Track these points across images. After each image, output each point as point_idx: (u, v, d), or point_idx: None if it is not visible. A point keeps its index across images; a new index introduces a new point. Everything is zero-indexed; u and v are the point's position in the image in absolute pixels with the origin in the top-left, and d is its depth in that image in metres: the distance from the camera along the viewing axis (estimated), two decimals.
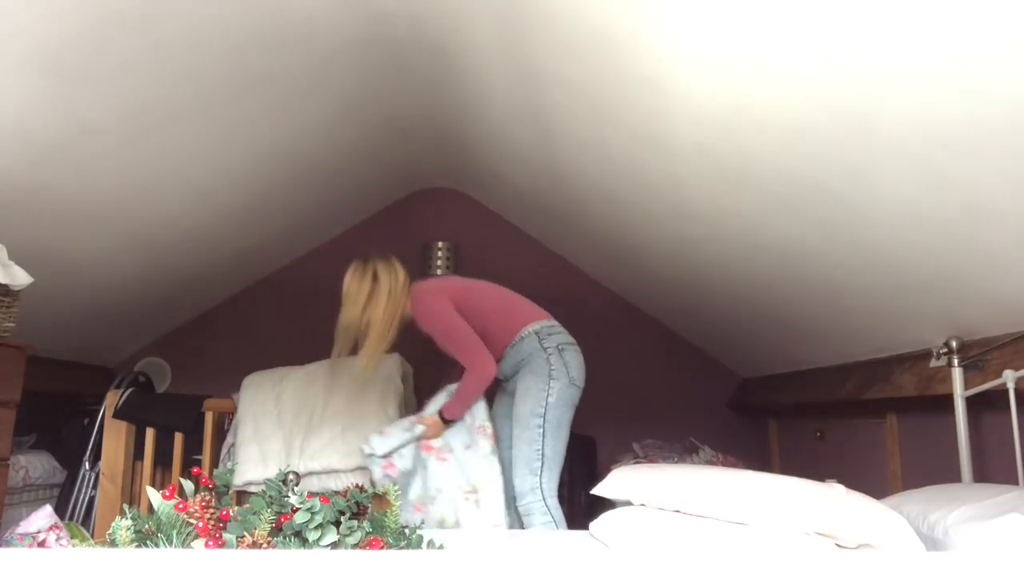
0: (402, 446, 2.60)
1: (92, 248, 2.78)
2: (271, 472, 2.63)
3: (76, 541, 2.30)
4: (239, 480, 2.77)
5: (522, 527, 2.55)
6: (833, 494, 1.68)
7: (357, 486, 1.62)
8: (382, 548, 1.43)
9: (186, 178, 2.75)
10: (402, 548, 1.50)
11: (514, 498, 2.56)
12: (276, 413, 2.94)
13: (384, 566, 1.10)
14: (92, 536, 2.96)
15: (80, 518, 3.30)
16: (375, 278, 2.69)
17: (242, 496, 2.77)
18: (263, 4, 2.09)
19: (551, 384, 2.56)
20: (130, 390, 3.27)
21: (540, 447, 2.51)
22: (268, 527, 1.39)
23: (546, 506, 2.49)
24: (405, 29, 2.58)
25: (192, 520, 1.41)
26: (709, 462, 3.58)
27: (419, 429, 2.62)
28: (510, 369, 2.67)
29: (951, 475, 2.22)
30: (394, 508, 1.58)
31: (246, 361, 3.29)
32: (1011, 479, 2.04)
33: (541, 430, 2.52)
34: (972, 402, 2.21)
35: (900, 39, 1.41)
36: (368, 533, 1.46)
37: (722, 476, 1.84)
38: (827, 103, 1.68)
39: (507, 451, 2.65)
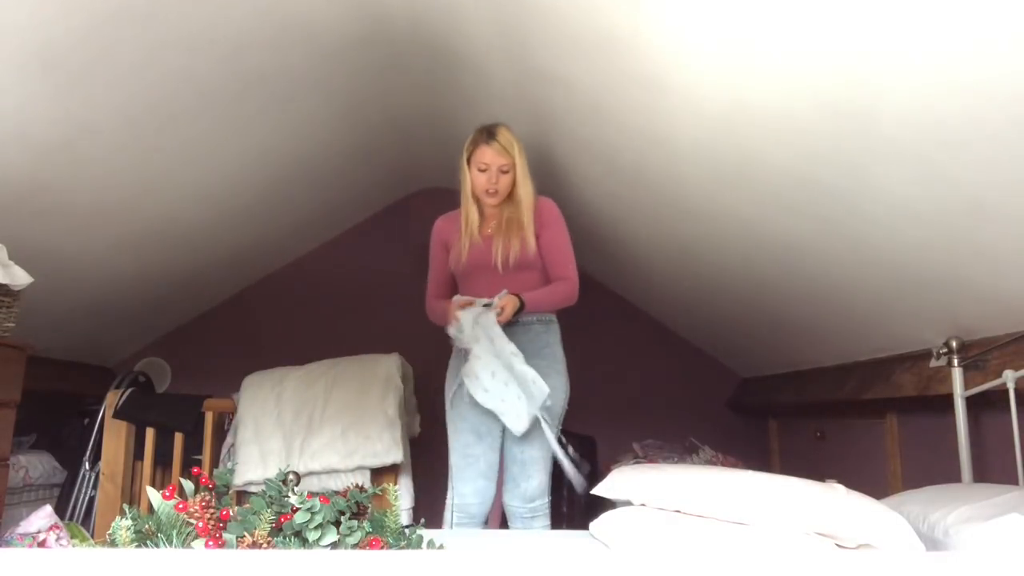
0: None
1: (92, 248, 2.78)
2: (271, 472, 2.63)
3: (76, 541, 2.30)
4: (239, 480, 2.77)
5: (505, 527, 2.44)
6: (833, 494, 1.68)
7: (357, 486, 1.62)
8: (382, 548, 1.43)
9: (186, 178, 2.75)
10: (402, 548, 1.49)
11: (482, 501, 2.38)
12: (276, 413, 2.94)
13: (384, 566, 1.10)
14: (92, 536, 2.96)
15: (80, 518, 3.30)
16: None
17: (242, 496, 2.77)
18: (263, 4, 2.09)
19: (567, 386, 2.45)
20: (130, 390, 3.27)
21: (552, 447, 2.34)
22: (268, 527, 1.38)
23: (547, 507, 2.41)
24: (405, 29, 2.58)
25: (192, 520, 1.41)
26: (709, 462, 3.58)
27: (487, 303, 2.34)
28: (525, 346, 2.35)
29: (951, 475, 2.22)
30: (394, 508, 1.58)
31: (246, 361, 3.29)
32: (1011, 479, 2.04)
33: (558, 431, 2.38)
34: (972, 402, 2.21)
35: (901, 38, 1.41)
36: (368, 533, 1.46)
37: (722, 476, 1.84)
38: (828, 102, 1.68)
39: (492, 452, 2.39)
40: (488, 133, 2.45)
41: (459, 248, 2.49)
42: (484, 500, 2.39)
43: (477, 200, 2.48)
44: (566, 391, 2.43)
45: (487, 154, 2.43)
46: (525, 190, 2.46)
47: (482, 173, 2.43)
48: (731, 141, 2.05)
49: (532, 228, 2.45)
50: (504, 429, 2.36)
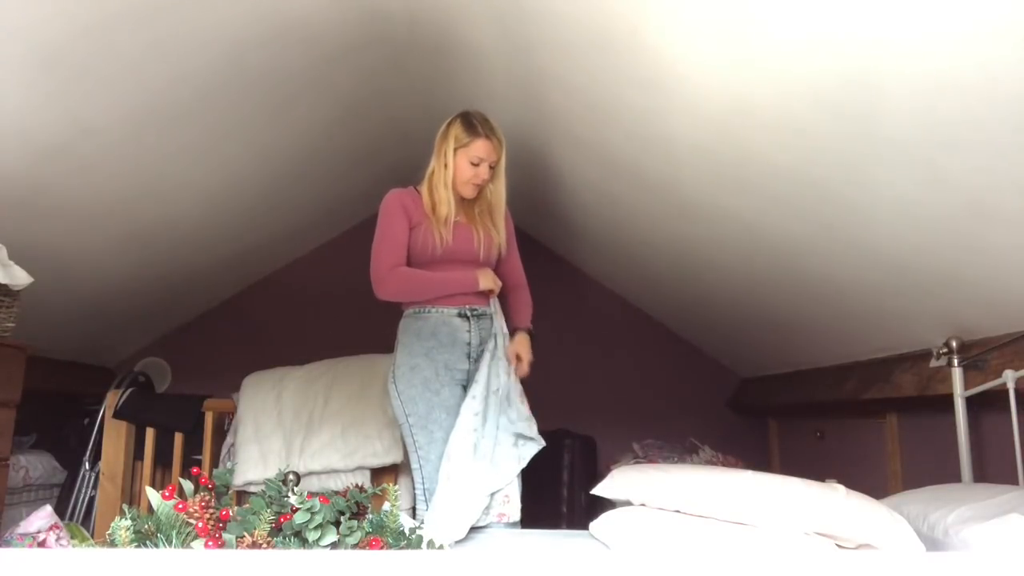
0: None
1: (92, 248, 2.78)
2: (271, 472, 2.63)
3: (76, 541, 2.30)
4: (239, 480, 2.76)
5: None
6: (833, 494, 1.68)
7: (357, 486, 1.62)
8: (382, 548, 1.43)
9: (186, 178, 2.75)
10: (402, 548, 1.50)
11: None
12: (276, 413, 2.94)
13: (384, 566, 1.10)
14: (92, 536, 2.96)
15: (80, 518, 3.30)
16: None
17: (242, 496, 2.77)
18: (263, 5, 2.09)
19: None
20: (130, 390, 3.26)
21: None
22: (268, 527, 1.39)
23: None
24: (405, 29, 2.58)
25: (192, 520, 1.41)
26: (709, 462, 3.58)
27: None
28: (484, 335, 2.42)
29: (951, 475, 2.22)
30: (394, 508, 1.58)
31: (246, 361, 3.29)
32: (1011, 479, 2.04)
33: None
34: (972, 402, 2.21)
35: (900, 39, 1.41)
36: (368, 533, 1.47)
37: (722, 476, 1.84)
38: (828, 102, 1.68)
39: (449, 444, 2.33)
40: (486, 126, 2.35)
41: (432, 233, 2.32)
42: None
43: (453, 189, 2.38)
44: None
45: (485, 148, 2.33)
46: (502, 189, 2.42)
47: (473, 166, 2.34)
48: (731, 141, 2.05)
49: (502, 227, 2.45)
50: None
